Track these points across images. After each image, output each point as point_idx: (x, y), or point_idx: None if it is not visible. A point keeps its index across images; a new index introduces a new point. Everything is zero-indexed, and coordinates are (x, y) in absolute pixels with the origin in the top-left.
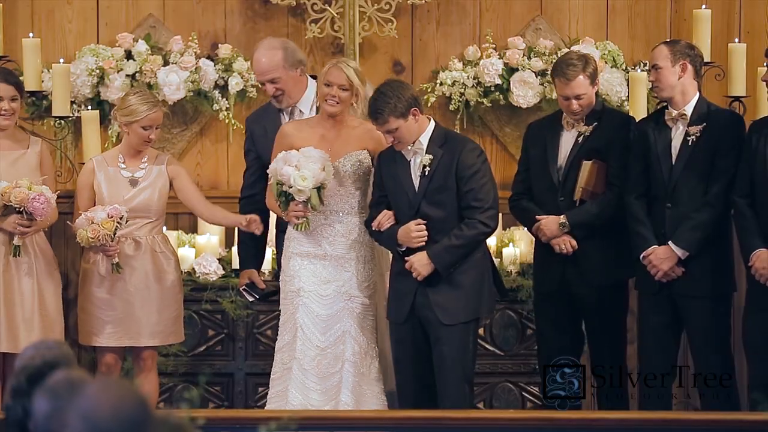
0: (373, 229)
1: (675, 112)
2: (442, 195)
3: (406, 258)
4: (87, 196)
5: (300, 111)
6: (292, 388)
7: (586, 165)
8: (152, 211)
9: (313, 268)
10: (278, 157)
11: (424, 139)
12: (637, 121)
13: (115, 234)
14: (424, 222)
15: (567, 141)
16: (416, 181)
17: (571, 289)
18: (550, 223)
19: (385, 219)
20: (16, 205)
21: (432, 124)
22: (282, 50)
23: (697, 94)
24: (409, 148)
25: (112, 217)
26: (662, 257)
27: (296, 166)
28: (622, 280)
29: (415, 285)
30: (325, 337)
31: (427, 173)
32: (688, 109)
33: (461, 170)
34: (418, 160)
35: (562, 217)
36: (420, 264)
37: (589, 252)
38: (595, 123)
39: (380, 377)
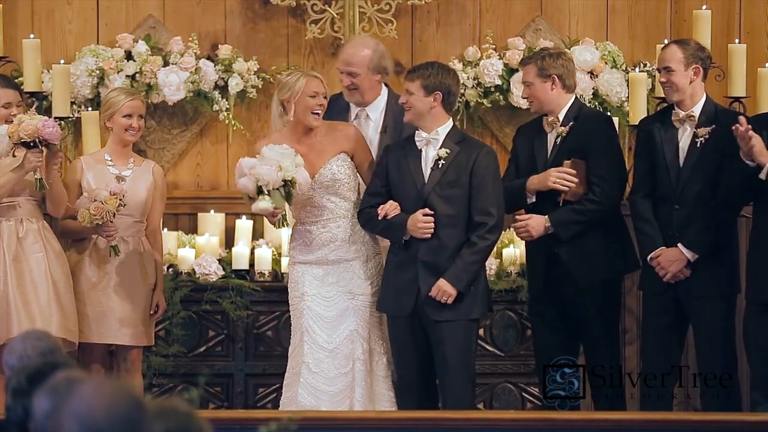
0: (379, 218)
1: (682, 113)
2: (453, 190)
3: (431, 295)
4: (74, 194)
5: (367, 115)
6: (302, 391)
7: (566, 164)
8: (139, 210)
9: (315, 272)
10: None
11: (442, 132)
12: (612, 120)
13: (117, 210)
14: (431, 213)
15: (549, 143)
16: (426, 173)
17: (560, 289)
18: (537, 223)
19: (391, 208)
20: (29, 140)
21: (451, 122)
22: (372, 51)
23: (704, 95)
24: (423, 136)
25: (114, 194)
26: (671, 259)
27: (250, 174)
28: (611, 279)
29: (416, 279)
30: (332, 338)
31: (440, 166)
32: (696, 111)
33: (478, 168)
34: (432, 153)
35: (546, 218)
36: (448, 287)
37: (573, 252)
38: (571, 123)
39: (388, 374)
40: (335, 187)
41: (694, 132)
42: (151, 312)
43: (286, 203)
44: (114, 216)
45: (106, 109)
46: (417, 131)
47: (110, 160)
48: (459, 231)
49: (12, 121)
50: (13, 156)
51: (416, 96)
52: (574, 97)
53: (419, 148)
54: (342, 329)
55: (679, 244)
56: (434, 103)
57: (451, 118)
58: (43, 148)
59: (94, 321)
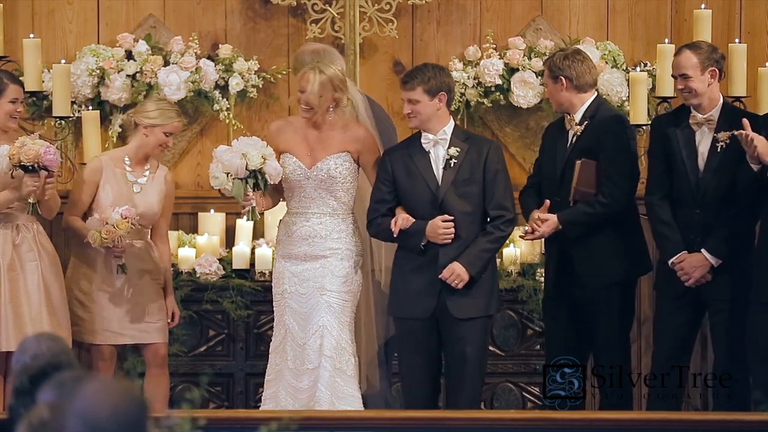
0: (395, 234)
1: (700, 116)
2: (468, 187)
3: (442, 276)
4: (90, 192)
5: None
6: (282, 390)
7: (577, 165)
8: (150, 218)
9: (294, 269)
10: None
11: (448, 132)
12: (629, 120)
13: (128, 233)
14: (451, 219)
15: (568, 142)
16: (439, 174)
17: (570, 289)
18: (547, 223)
19: (404, 222)
20: (29, 164)
21: (452, 120)
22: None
23: (721, 97)
24: (430, 137)
25: (126, 218)
26: (695, 265)
27: (217, 160)
28: (622, 281)
29: (438, 282)
30: (305, 333)
31: (453, 165)
32: (715, 114)
33: (490, 164)
34: (441, 153)
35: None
36: (462, 271)
37: (583, 253)
38: (586, 123)
39: (356, 374)
40: (329, 183)
41: (714, 137)
42: (168, 321)
43: (256, 190)
44: (124, 239)
45: (152, 117)
46: (423, 134)
47: (129, 166)
48: (476, 228)
49: (14, 117)
50: (12, 177)
51: (422, 102)
52: (594, 95)
53: (427, 150)
54: (312, 324)
55: (702, 250)
56: (440, 104)
57: (451, 117)
58: (42, 172)
59: (106, 322)
